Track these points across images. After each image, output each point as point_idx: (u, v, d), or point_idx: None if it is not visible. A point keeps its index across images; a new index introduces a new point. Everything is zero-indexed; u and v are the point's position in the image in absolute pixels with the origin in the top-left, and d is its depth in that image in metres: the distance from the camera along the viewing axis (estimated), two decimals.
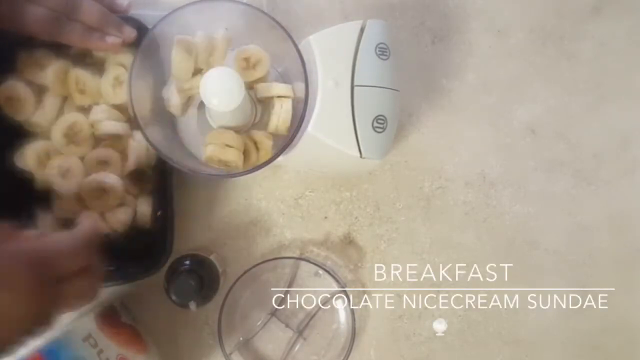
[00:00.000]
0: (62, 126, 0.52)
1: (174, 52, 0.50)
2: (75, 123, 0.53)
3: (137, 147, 0.53)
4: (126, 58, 0.53)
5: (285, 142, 0.51)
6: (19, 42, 0.50)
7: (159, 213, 0.55)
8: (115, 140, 0.54)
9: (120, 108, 0.54)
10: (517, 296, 0.61)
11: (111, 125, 0.53)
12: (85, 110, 0.54)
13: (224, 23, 0.51)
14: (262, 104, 0.56)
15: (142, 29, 0.54)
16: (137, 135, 0.53)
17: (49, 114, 0.53)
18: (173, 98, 0.52)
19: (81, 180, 0.52)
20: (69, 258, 0.39)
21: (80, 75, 0.52)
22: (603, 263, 0.62)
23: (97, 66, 0.54)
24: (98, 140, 0.54)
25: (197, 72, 0.52)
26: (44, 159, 0.52)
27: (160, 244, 0.55)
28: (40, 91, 0.53)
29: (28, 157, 0.52)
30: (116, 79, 0.53)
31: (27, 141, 0.52)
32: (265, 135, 0.53)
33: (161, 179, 0.55)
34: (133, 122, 0.54)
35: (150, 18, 0.54)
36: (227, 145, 0.52)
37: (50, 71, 0.52)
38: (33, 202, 0.54)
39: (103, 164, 0.53)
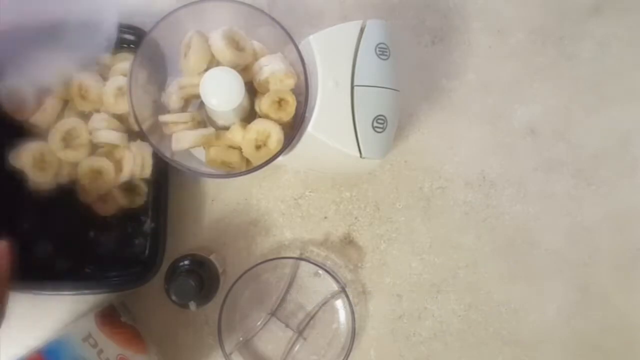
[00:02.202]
0: (60, 130, 0.52)
1: (195, 40, 0.49)
2: (74, 128, 0.53)
3: (133, 158, 0.53)
4: None
5: (286, 142, 0.51)
6: (25, 43, 0.50)
7: (152, 225, 0.55)
8: (112, 150, 0.54)
9: (120, 118, 0.54)
10: (517, 296, 0.61)
11: (109, 134, 0.53)
12: (85, 116, 0.54)
13: (224, 23, 0.51)
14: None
15: (141, 35, 0.54)
16: (134, 146, 0.53)
17: (48, 116, 0.53)
18: (173, 97, 0.52)
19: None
20: None
21: (84, 81, 0.52)
22: (603, 263, 0.62)
23: (102, 73, 0.54)
24: (95, 147, 0.54)
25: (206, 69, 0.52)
26: (39, 161, 0.52)
27: (151, 255, 0.55)
28: (42, 93, 0.53)
29: (24, 158, 0.52)
30: (119, 89, 0.53)
31: (25, 141, 0.52)
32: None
33: (156, 192, 0.56)
34: (131, 133, 0.54)
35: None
36: (230, 147, 0.52)
37: (55, 74, 0.52)
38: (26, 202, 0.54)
39: (96, 172, 0.53)
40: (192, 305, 0.52)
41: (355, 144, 0.50)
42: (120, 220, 0.56)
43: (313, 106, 0.50)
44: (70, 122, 0.53)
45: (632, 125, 0.64)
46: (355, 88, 0.50)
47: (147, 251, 0.56)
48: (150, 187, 0.56)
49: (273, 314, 0.60)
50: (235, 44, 0.51)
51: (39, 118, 0.53)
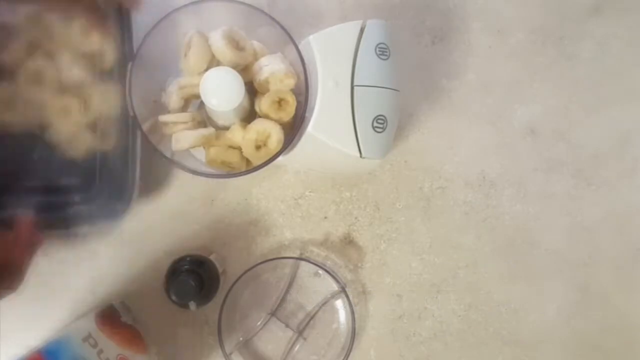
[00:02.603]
0: (28, 70, 0.51)
1: (195, 39, 0.49)
2: (42, 67, 0.52)
3: (100, 97, 0.52)
4: None
5: (286, 142, 0.51)
6: None
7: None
8: (80, 88, 0.53)
9: (89, 56, 0.53)
10: (517, 296, 0.61)
11: (76, 73, 0.52)
12: (54, 54, 0.53)
13: (224, 23, 0.51)
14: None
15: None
16: (102, 85, 0.53)
17: (16, 56, 0.52)
18: (173, 97, 0.53)
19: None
20: None
21: (51, 21, 0.51)
22: (603, 263, 0.62)
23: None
24: (63, 86, 0.53)
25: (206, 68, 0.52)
26: (7, 102, 0.51)
27: (121, 181, 0.54)
28: (9, 33, 0.52)
29: None
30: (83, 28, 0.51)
31: None
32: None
33: (124, 133, 0.54)
34: (102, 73, 0.53)
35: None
36: (230, 147, 0.52)
37: (22, 14, 0.51)
38: None
39: (64, 110, 0.52)
40: (192, 305, 0.52)
41: (355, 144, 0.50)
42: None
43: (313, 106, 0.50)
44: (37, 62, 0.52)
45: (632, 125, 0.64)
46: (355, 88, 0.50)
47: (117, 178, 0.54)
48: (120, 129, 0.55)
49: (273, 314, 0.60)
50: (235, 44, 0.51)
51: (6, 58, 0.51)
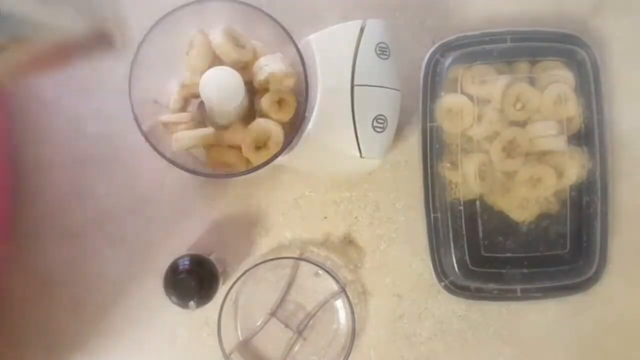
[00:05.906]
0: (503, 140, 0.55)
1: (197, 39, 0.49)
2: (515, 138, 0.55)
3: (572, 163, 0.56)
4: (568, 75, 0.57)
5: (286, 142, 0.51)
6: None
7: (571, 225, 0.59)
8: (549, 156, 0.56)
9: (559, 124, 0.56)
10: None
11: (554, 141, 0.55)
12: (520, 125, 0.57)
13: (224, 22, 0.51)
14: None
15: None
16: (573, 151, 0.56)
17: (486, 128, 0.56)
18: (173, 97, 0.52)
19: None
20: None
21: (523, 90, 0.55)
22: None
23: (538, 82, 0.57)
24: (531, 155, 0.56)
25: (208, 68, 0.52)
26: (480, 171, 0.56)
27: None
28: (479, 104, 0.56)
29: (467, 169, 0.56)
30: (558, 96, 0.56)
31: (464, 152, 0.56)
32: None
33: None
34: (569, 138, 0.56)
35: None
36: (230, 147, 0.52)
37: (496, 86, 0.55)
38: None
39: (535, 180, 0.56)
40: (192, 305, 0.52)
41: (355, 144, 0.50)
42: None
43: (313, 106, 0.50)
44: (511, 132, 0.55)
45: (632, 125, 0.64)
46: (355, 88, 0.50)
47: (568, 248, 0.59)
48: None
49: (273, 314, 0.60)
50: (236, 41, 0.51)
51: (477, 130, 0.55)
